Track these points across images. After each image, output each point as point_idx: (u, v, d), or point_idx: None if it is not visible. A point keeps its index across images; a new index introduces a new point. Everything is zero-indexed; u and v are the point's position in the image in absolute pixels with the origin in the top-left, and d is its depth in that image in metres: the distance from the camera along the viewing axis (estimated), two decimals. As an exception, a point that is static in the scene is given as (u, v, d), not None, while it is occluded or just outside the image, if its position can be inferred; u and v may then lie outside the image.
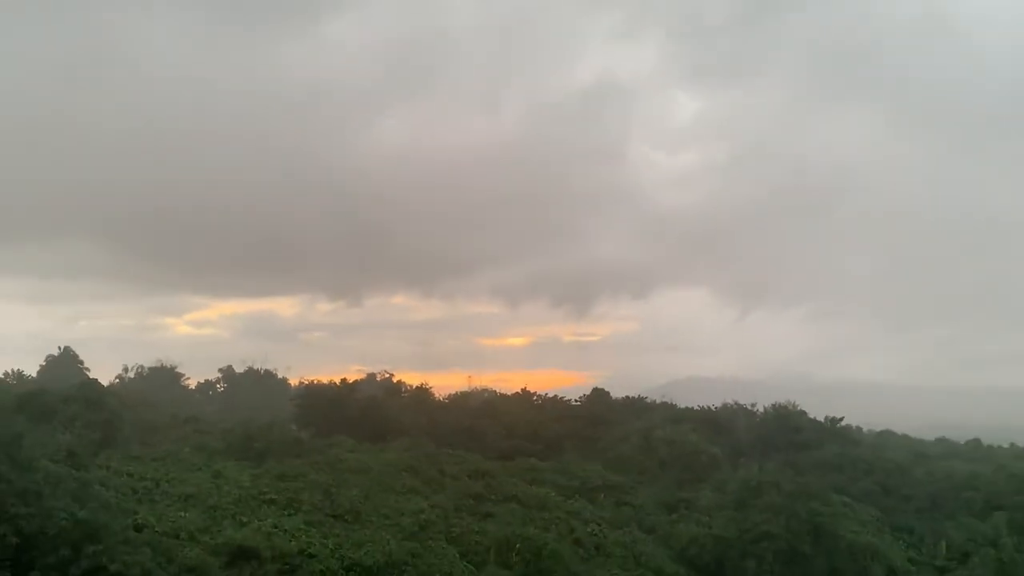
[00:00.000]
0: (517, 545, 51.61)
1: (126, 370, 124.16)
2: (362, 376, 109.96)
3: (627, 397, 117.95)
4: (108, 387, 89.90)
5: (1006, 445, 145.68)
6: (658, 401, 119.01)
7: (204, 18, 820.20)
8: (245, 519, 47.99)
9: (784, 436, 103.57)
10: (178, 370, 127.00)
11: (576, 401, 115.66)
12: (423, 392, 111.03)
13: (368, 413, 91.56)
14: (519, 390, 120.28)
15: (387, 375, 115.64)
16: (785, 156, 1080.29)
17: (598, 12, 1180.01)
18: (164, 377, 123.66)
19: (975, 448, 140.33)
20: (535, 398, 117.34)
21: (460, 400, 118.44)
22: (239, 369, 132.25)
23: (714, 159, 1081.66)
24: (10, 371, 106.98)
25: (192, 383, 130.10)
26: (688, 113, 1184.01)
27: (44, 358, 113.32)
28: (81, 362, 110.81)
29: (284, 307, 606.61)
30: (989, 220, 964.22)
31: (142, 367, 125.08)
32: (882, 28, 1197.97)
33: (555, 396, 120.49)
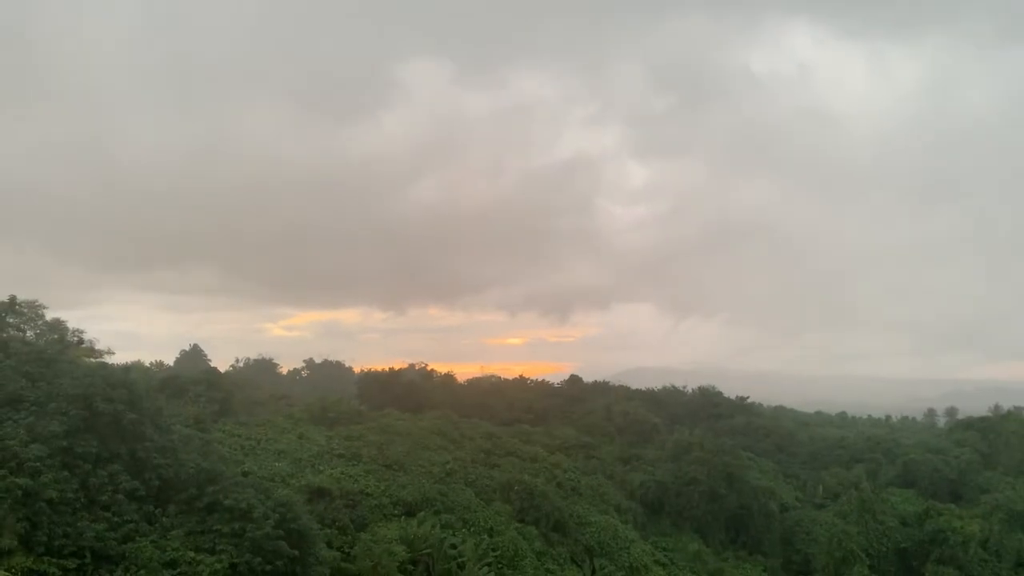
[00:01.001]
0: (516, 487, 51.51)
1: (237, 361, 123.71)
2: (405, 365, 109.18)
3: (594, 381, 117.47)
4: (224, 373, 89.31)
5: (864, 416, 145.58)
6: (616, 384, 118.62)
7: (291, 111, 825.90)
8: (321, 468, 47.88)
9: (706, 410, 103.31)
10: (274, 361, 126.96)
11: (558, 384, 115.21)
12: (449, 378, 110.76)
13: (409, 392, 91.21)
14: (517, 377, 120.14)
15: (423, 365, 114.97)
16: (709, 209, 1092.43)
17: (574, 105, 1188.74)
18: (264, 366, 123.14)
19: (842, 419, 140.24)
20: (528, 382, 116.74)
21: (475, 383, 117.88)
22: (317, 360, 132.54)
23: (658, 211, 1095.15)
24: (154, 361, 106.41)
25: (284, 370, 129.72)
26: (639, 178, 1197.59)
27: (179, 352, 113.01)
28: (205, 355, 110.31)
29: (349, 316, 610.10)
30: (854, 254, 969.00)
31: (248, 359, 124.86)
32: (779, 117, 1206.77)
33: (543, 381, 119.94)
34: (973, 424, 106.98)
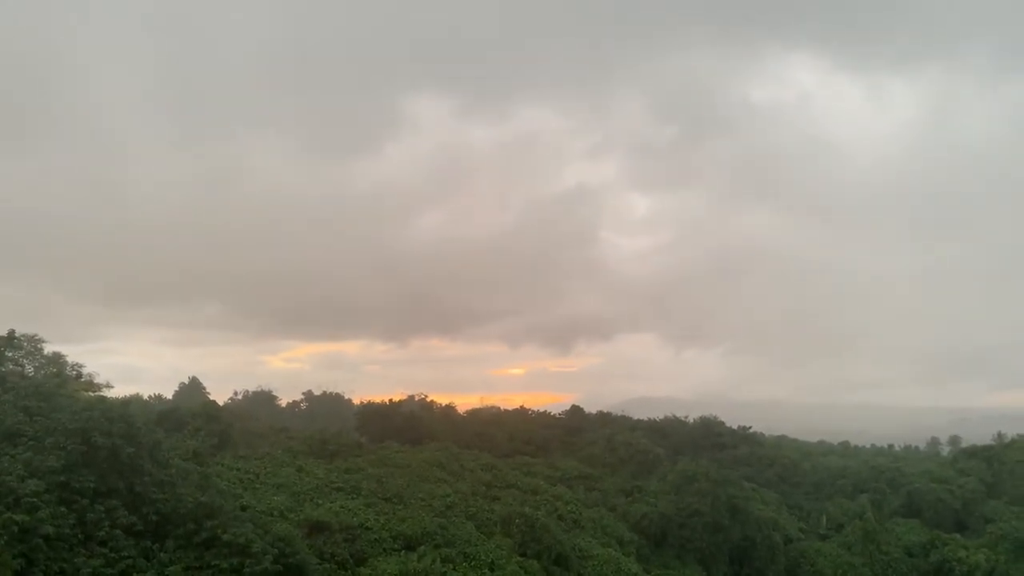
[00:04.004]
0: (517, 520, 51.09)
1: (236, 394, 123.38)
2: (405, 397, 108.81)
3: (597, 412, 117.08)
4: (223, 406, 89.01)
5: (867, 446, 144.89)
6: (618, 415, 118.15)
7: (298, 144, 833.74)
8: (320, 501, 47.63)
9: (709, 440, 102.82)
10: (273, 393, 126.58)
11: (559, 415, 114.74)
12: (449, 409, 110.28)
13: (409, 424, 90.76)
14: (518, 407, 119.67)
15: (423, 396, 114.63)
16: (711, 240, 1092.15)
17: (577, 137, 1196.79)
18: (263, 399, 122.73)
19: (845, 448, 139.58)
20: (529, 413, 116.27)
21: (475, 414, 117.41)
22: (317, 393, 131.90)
23: (660, 242, 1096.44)
24: (153, 394, 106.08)
25: (283, 403, 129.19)
26: (642, 209, 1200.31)
27: (178, 385, 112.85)
28: (204, 388, 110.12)
29: (350, 348, 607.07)
30: (856, 282, 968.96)
31: (247, 391, 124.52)
32: (780, 147, 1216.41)
33: (544, 411, 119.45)
34: (977, 453, 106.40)
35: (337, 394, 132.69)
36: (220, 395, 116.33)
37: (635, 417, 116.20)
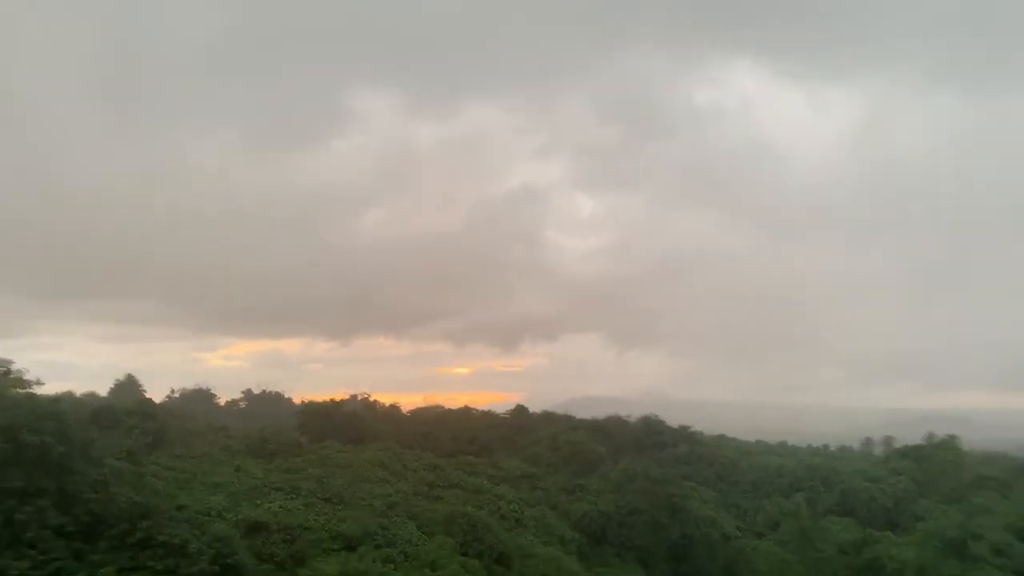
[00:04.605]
0: (459, 519, 51.12)
1: (173, 392, 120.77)
2: (347, 396, 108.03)
3: (541, 411, 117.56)
4: (160, 404, 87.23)
5: (804, 445, 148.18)
6: (562, 414, 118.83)
7: (240, 137, 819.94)
8: (259, 501, 47.03)
9: (650, 439, 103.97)
10: (212, 391, 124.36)
11: (504, 414, 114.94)
12: (393, 408, 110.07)
13: (351, 423, 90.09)
14: (463, 407, 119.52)
15: (366, 395, 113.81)
16: (655, 241, 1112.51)
17: (524, 137, 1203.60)
18: (201, 397, 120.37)
19: (783, 447, 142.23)
20: (474, 412, 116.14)
21: (419, 414, 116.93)
22: (257, 391, 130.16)
23: (605, 243, 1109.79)
24: (86, 392, 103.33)
25: (222, 401, 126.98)
26: (587, 210, 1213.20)
27: (113, 382, 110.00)
28: (140, 385, 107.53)
29: (292, 346, 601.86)
30: (796, 286, 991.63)
31: (185, 389, 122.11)
32: (723, 151, 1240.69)
33: (488, 411, 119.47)
34: (908, 453, 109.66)
35: (277, 393, 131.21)
36: (157, 393, 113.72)
37: (579, 416, 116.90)
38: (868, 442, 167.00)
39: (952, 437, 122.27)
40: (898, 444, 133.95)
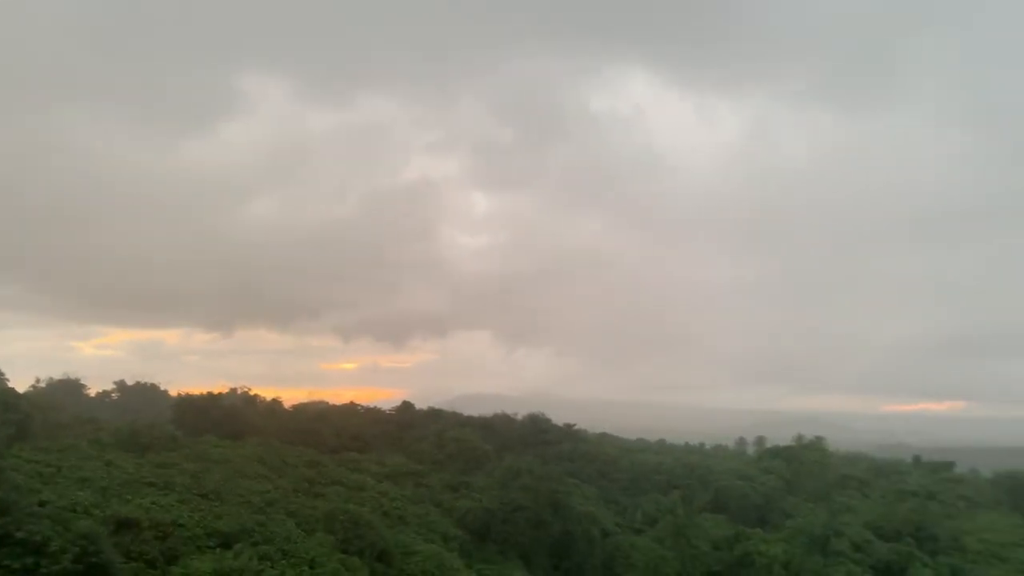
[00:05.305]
0: (340, 517, 50.41)
1: (39, 381, 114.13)
2: (227, 390, 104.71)
3: (427, 408, 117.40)
4: (23, 394, 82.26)
5: (681, 444, 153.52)
6: (449, 411, 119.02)
7: (120, 119, 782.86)
8: (130, 497, 45.05)
9: (535, 437, 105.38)
10: (81, 382, 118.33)
11: (390, 411, 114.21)
12: (274, 403, 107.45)
13: (230, 417, 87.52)
14: (347, 402, 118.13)
15: (246, 389, 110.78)
16: (547, 242, 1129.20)
17: (420, 131, 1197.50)
18: (70, 387, 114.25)
19: (661, 445, 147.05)
20: (359, 408, 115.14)
21: (302, 409, 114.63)
22: (131, 382, 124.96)
23: (498, 241, 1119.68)
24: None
25: (93, 392, 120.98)
26: (482, 208, 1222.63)
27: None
28: (3, 375, 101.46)
29: (170, 336, 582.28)
30: (679, 290, 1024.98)
31: (52, 379, 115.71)
32: (615, 157, 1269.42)
33: (374, 407, 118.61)
34: (779, 453, 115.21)
35: (153, 385, 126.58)
36: (21, 383, 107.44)
37: (466, 414, 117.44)
38: (741, 442, 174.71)
39: (819, 439, 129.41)
40: (769, 444, 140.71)
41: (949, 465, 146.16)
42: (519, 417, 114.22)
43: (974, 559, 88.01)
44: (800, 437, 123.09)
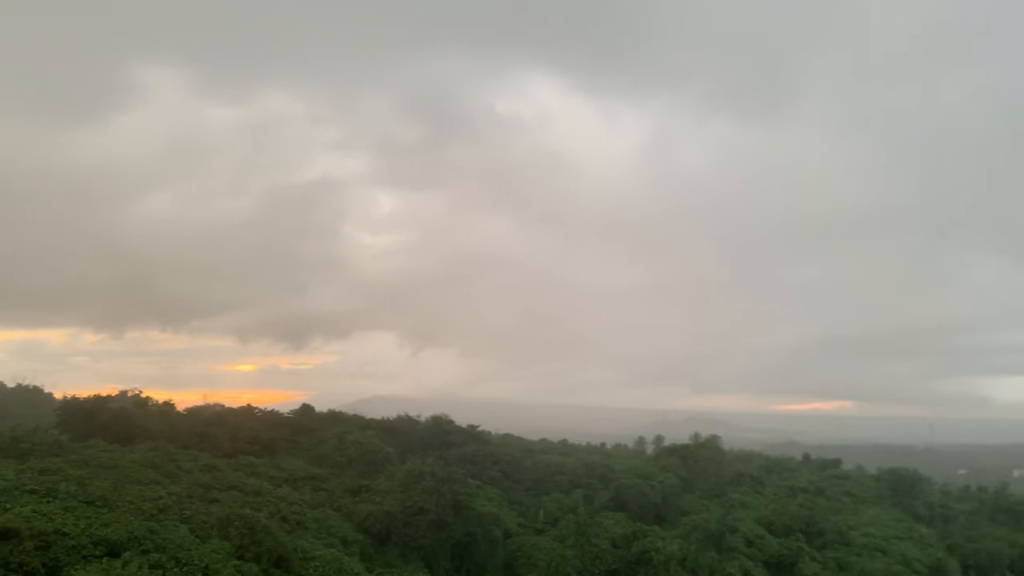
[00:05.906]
0: (236, 523, 49.23)
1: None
2: (116, 392, 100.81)
3: (328, 411, 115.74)
4: None
5: (583, 444, 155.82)
6: (351, 414, 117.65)
7: (7, 108, 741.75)
8: (9, 505, 42.80)
9: (438, 439, 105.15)
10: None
11: (289, 414, 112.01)
12: (167, 406, 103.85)
13: (118, 421, 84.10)
14: (244, 405, 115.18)
15: (137, 391, 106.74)
16: (451, 243, 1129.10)
17: (324, 127, 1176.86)
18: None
19: (564, 446, 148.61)
20: (256, 411, 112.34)
21: (196, 412, 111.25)
22: (11, 385, 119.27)
23: (403, 242, 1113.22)
24: None
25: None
26: (386, 208, 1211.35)
27: None
28: None
29: (55, 336, 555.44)
30: (583, 292, 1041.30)
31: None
32: (521, 158, 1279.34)
33: (272, 410, 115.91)
34: (676, 451, 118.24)
35: (36, 387, 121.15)
36: None
37: (368, 416, 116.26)
38: (641, 441, 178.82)
39: (714, 437, 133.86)
40: (667, 443, 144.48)
41: (836, 462, 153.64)
42: (422, 419, 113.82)
43: (859, 552, 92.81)
44: (696, 436, 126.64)
